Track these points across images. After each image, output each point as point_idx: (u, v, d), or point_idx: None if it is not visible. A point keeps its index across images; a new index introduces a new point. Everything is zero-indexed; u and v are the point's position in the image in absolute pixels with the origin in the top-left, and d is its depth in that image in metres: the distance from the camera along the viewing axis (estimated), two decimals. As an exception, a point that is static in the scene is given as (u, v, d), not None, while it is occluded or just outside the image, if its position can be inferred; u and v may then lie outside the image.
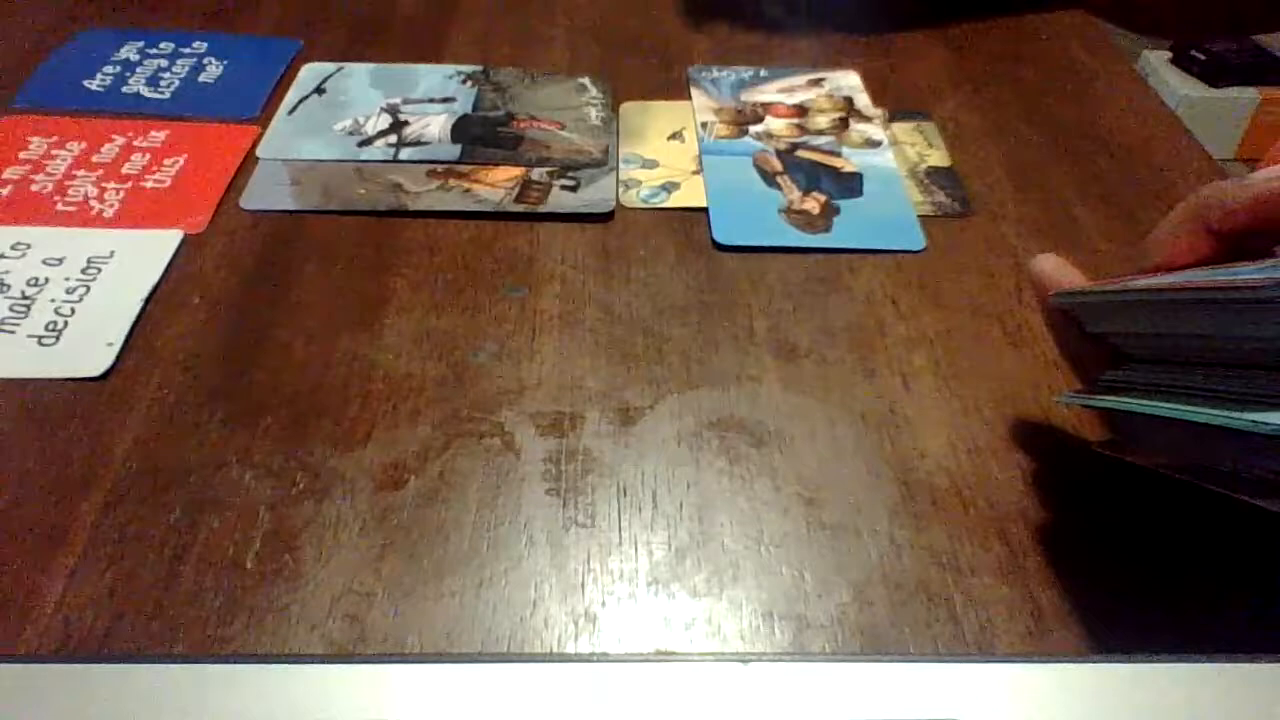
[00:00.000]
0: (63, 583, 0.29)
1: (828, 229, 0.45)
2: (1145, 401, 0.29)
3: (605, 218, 0.45)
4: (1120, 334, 0.31)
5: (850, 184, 0.48)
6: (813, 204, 0.46)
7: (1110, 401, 0.30)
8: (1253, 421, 0.23)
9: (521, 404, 0.36)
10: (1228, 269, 0.27)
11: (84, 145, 0.49)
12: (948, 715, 0.22)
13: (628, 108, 0.53)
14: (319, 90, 0.53)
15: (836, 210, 0.46)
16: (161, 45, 0.57)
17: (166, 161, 0.48)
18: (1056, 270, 0.33)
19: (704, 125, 0.52)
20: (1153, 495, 0.33)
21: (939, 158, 0.50)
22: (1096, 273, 0.33)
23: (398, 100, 0.52)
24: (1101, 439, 0.35)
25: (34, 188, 0.46)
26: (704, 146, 0.50)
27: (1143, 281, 0.29)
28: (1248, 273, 0.24)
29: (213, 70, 0.55)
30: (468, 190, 0.46)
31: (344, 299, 0.40)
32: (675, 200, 0.46)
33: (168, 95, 0.53)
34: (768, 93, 0.54)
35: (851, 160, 0.49)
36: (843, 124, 0.52)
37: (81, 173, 0.47)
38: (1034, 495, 0.33)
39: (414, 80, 0.54)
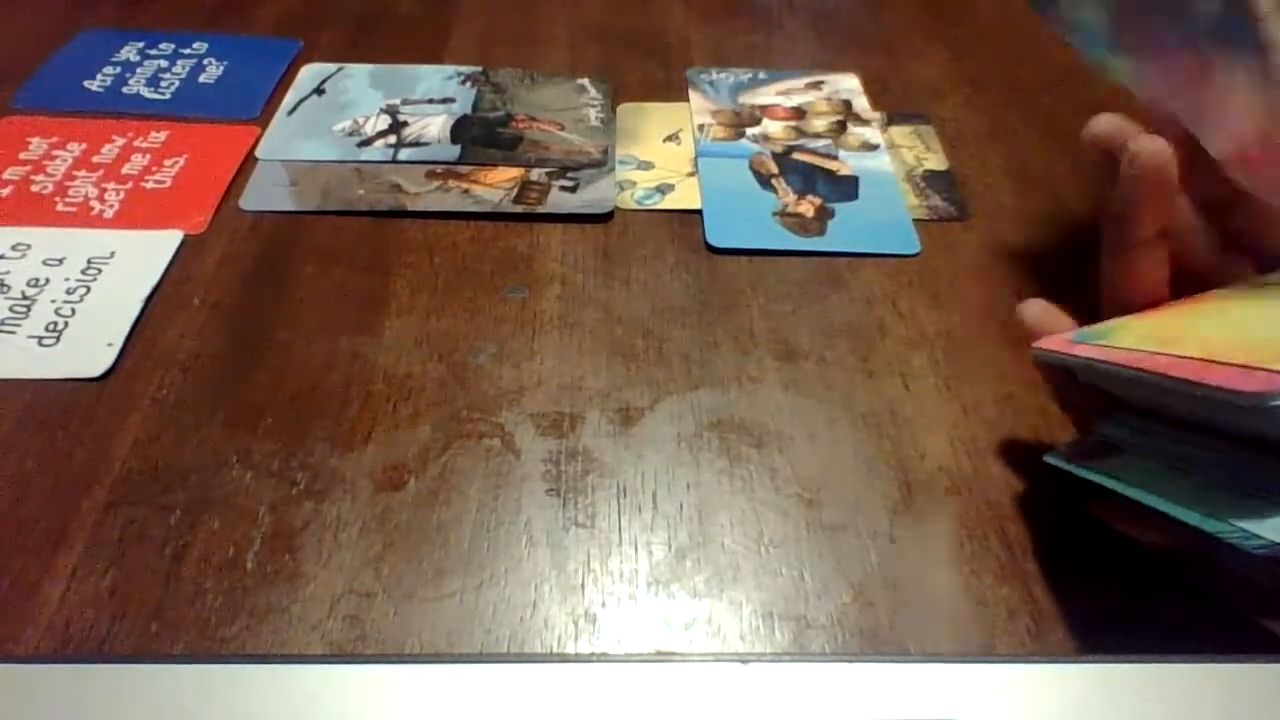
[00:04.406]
0: (63, 583, 0.29)
1: (821, 232, 0.45)
2: (1135, 487, 0.27)
3: (604, 218, 0.45)
4: (1109, 387, 0.30)
5: (846, 187, 0.48)
6: (807, 207, 0.46)
7: (1100, 476, 0.29)
8: (1244, 532, 0.22)
9: (521, 404, 0.36)
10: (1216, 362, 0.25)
11: (84, 146, 0.49)
12: (948, 715, 0.22)
13: (624, 109, 0.53)
14: (318, 91, 0.53)
15: (831, 214, 0.46)
16: (162, 46, 0.57)
17: (166, 162, 0.48)
18: (1043, 317, 0.32)
19: (701, 127, 0.52)
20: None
21: (936, 161, 0.50)
22: (1097, 281, 0.33)
23: (397, 101, 0.52)
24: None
25: (34, 188, 0.46)
26: (700, 148, 0.50)
27: (1116, 354, 0.27)
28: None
29: (213, 71, 0.55)
30: (467, 191, 0.46)
31: (344, 299, 0.40)
32: (669, 202, 0.46)
33: (168, 96, 0.53)
34: (766, 95, 0.54)
35: (848, 164, 0.49)
36: (840, 127, 0.52)
37: (82, 173, 0.47)
38: (1034, 495, 0.33)
39: (413, 81, 0.54)
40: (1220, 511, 0.23)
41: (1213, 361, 0.24)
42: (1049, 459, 0.31)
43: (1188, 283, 0.31)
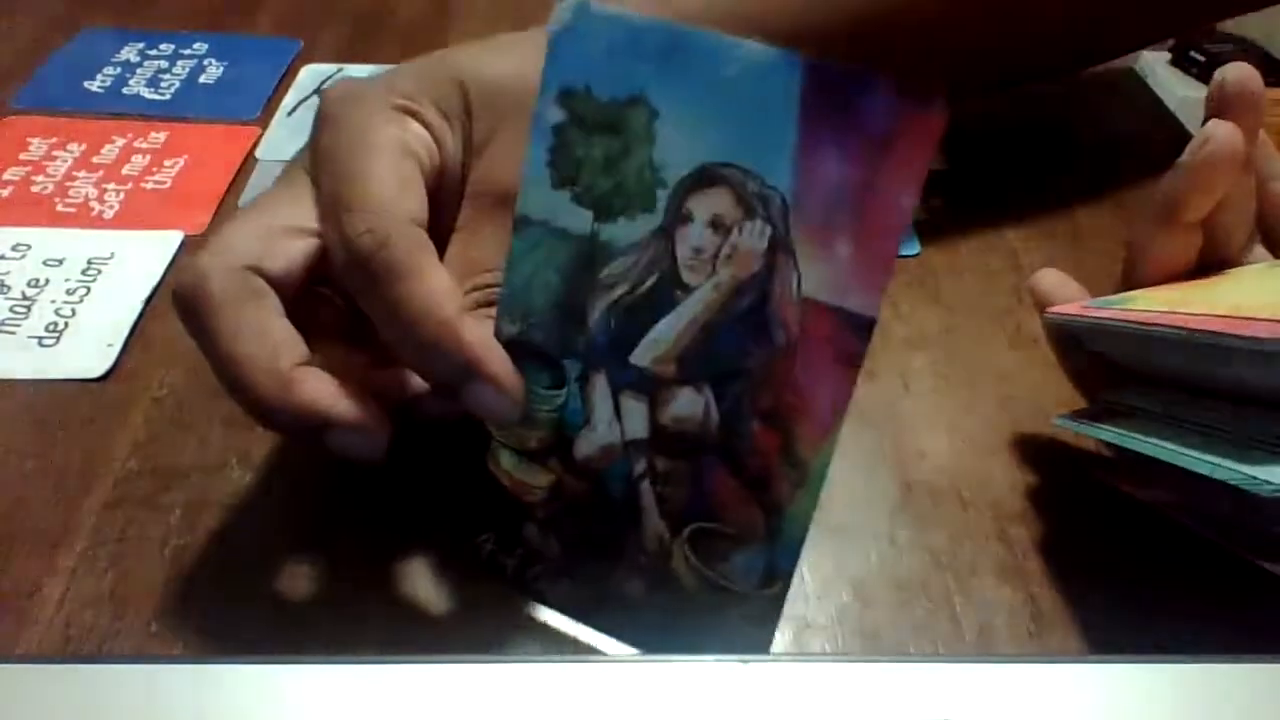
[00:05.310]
0: (63, 583, 0.29)
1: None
2: (1144, 439, 0.27)
3: (605, 218, 0.45)
4: (1120, 354, 0.31)
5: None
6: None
7: (1108, 432, 0.29)
8: (1253, 478, 0.22)
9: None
10: (1230, 317, 0.25)
11: (84, 146, 0.49)
12: (947, 715, 0.22)
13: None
14: (318, 91, 0.53)
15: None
16: (162, 46, 0.57)
17: (167, 162, 0.48)
18: (1056, 286, 0.33)
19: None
20: (1152, 495, 0.33)
21: (936, 161, 0.50)
22: (1096, 280, 0.33)
23: (398, 101, 0.52)
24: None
25: (34, 189, 0.46)
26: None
27: (1137, 314, 0.28)
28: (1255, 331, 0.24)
29: (213, 71, 0.55)
30: (468, 191, 0.46)
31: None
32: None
33: (168, 96, 0.53)
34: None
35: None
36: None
37: (82, 174, 0.47)
38: (1034, 495, 0.33)
39: (414, 81, 0.54)
40: (1228, 461, 0.24)
41: (1239, 318, 0.25)
42: (1057, 421, 0.32)
43: (1204, 268, 0.31)
